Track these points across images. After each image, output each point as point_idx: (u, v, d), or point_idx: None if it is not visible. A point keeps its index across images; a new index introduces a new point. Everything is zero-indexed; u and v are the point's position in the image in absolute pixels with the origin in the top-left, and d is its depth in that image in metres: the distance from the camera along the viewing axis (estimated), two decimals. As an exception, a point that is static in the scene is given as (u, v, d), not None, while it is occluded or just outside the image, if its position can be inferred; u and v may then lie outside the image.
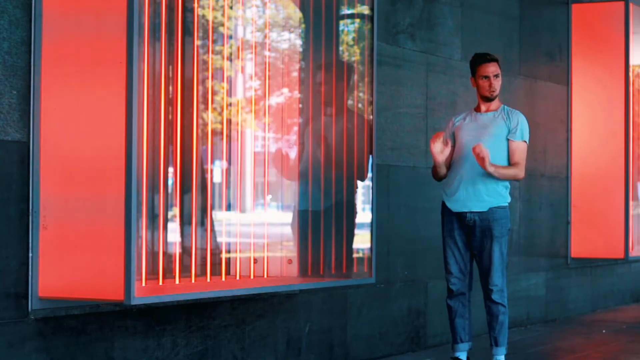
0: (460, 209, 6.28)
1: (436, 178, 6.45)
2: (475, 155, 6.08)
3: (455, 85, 7.99)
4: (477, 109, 6.41)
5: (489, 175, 6.21)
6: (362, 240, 6.55)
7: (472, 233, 6.27)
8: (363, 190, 6.66)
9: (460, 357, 6.38)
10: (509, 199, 6.34)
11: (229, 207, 6.05)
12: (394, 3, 7.33)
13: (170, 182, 5.68)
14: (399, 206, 7.33)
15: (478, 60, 6.32)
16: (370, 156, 6.45)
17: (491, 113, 6.33)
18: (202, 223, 5.82)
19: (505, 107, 6.39)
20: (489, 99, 6.32)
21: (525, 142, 6.30)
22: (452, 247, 6.33)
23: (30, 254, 4.74)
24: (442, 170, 6.33)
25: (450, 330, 6.43)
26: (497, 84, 6.29)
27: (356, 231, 6.58)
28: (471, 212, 6.26)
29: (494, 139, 6.25)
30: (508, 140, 6.27)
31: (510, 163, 6.27)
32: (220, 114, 5.88)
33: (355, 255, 6.62)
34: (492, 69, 6.28)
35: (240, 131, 6.01)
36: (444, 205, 6.38)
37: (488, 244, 6.24)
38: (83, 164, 4.72)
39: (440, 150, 6.21)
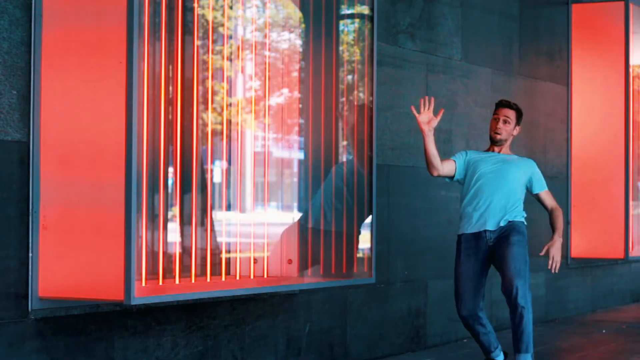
0: (477, 229, 6.28)
1: (429, 166, 6.23)
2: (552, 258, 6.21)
3: (455, 85, 7.99)
4: (491, 149, 6.48)
5: (507, 204, 6.28)
6: (362, 240, 6.55)
7: (493, 247, 6.27)
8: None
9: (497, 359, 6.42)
10: (523, 219, 6.41)
11: (229, 207, 6.04)
12: (394, 3, 7.33)
13: (170, 182, 5.68)
14: (399, 206, 7.33)
15: (498, 103, 6.44)
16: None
17: (503, 155, 6.41)
18: (202, 223, 5.81)
19: (518, 157, 6.50)
20: (493, 142, 6.38)
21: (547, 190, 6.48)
22: (464, 276, 6.27)
23: (30, 254, 4.74)
24: (432, 150, 6.15)
25: (479, 346, 6.44)
26: (504, 128, 6.34)
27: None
28: (489, 231, 6.26)
29: (515, 176, 6.33)
30: (535, 193, 6.43)
31: (550, 208, 6.44)
32: (220, 114, 5.88)
33: (355, 255, 6.62)
34: (504, 112, 6.35)
35: (240, 131, 6.01)
36: (459, 237, 6.36)
37: (507, 249, 6.20)
38: (83, 163, 4.72)
39: (427, 120, 6.07)
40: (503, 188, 6.28)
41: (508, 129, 6.35)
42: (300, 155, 6.46)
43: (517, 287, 6.04)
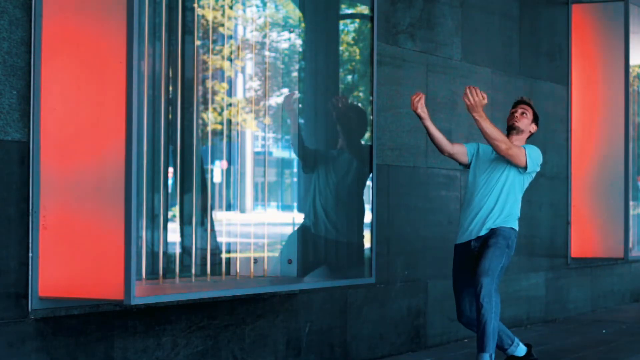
0: (465, 239, 6.25)
1: (437, 145, 6.30)
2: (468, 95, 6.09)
3: (455, 85, 7.99)
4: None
5: (495, 210, 6.18)
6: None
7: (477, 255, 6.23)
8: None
9: (516, 355, 6.35)
10: (514, 225, 6.26)
11: (228, 207, 6.05)
12: (394, 3, 7.33)
13: (170, 182, 5.68)
14: (399, 206, 7.33)
15: (515, 103, 6.43)
16: None
17: None
18: (202, 223, 5.82)
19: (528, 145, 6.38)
20: (510, 128, 6.31)
21: (527, 159, 6.19)
22: (459, 287, 6.26)
23: (30, 254, 4.74)
24: (434, 130, 6.23)
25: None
26: (522, 119, 6.31)
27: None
28: (474, 240, 6.20)
29: (506, 175, 6.23)
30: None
31: None
32: (220, 114, 5.88)
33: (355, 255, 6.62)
34: (521, 106, 6.37)
35: (240, 131, 6.01)
36: (455, 246, 6.33)
37: (483, 250, 6.16)
38: (83, 163, 4.72)
39: (417, 103, 6.14)
40: (493, 193, 6.22)
41: (525, 121, 6.34)
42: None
43: (481, 285, 5.99)
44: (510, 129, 6.36)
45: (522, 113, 6.36)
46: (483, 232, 6.18)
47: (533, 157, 6.24)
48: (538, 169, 6.31)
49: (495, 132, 6.11)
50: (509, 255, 6.18)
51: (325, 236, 6.40)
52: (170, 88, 5.59)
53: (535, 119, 6.43)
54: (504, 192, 6.24)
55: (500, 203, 6.22)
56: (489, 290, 6.02)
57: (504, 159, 6.21)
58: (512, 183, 6.26)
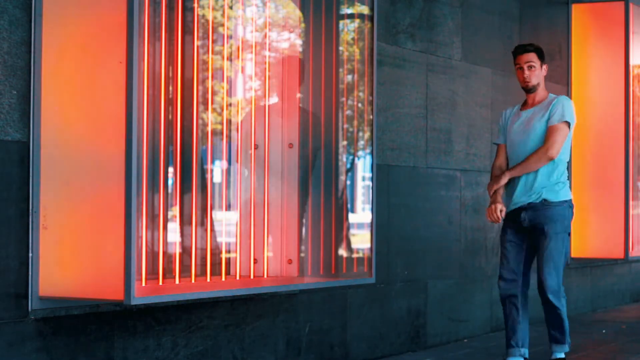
0: (512, 207, 6.19)
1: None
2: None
3: (455, 85, 7.99)
4: (523, 105, 6.29)
5: (539, 172, 6.07)
6: (362, 240, 6.55)
7: (528, 232, 6.18)
8: (363, 190, 6.65)
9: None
10: (564, 197, 6.12)
11: (229, 207, 6.04)
12: (394, 3, 7.33)
13: (170, 182, 5.68)
14: (399, 206, 7.33)
15: (515, 52, 6.22)
16: None
17: (532, 109, 6.20)
18: (202, 223, 5.81)
19: (553, 96, 6.21)
20: (527, 91, 6.19)
21: (566, 122, 6.02)
22: (505, 248, 6.21)
23: (30, 254, 4.74)
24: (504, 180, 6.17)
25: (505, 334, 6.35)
26: (532, 74, 6.12)
27: (356, 231, 6.57)
28: (523, 210, 6.12)
29: (537, 138, 6.14)
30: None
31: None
32: (220, 114, 5.88)
33: (355, 255, 6.62)
34: (524, 58, 6.14)
35: (240, 131, 6.01)
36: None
37: (541, 241, 6.11)
38: (83, 163, 4.72)
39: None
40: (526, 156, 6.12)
41: (536, 73, 6.14)
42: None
43: (545, 283, 6.04)
44: (528, 91, 6.18)
45: (530, 67, 6.13)
46: (533, 200, 6.10)
47: (570, 115, 6.07)
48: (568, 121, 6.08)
49: (532, 160, 6.00)
50: (565, 238, 6.13)
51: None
52: (170, 88, 5.59)
53: (542, 58, 6.18)
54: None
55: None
56: (556, 289, 6.07)
57: (530, 122, 6.11)
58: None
